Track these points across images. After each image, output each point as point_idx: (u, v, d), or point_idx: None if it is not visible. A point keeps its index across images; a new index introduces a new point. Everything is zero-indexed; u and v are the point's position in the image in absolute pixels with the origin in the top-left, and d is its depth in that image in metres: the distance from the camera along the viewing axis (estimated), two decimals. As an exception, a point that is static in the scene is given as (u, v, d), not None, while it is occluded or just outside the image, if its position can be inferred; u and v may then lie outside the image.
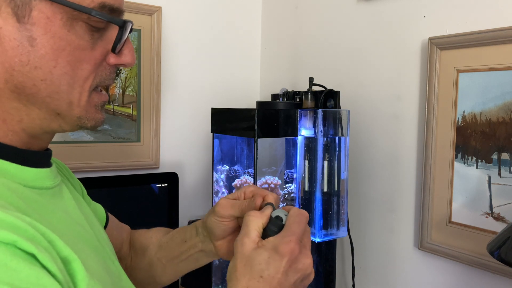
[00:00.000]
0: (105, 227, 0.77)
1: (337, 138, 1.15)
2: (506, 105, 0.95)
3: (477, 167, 1.00)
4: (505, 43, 0.94)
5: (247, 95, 1.65)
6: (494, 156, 0.97)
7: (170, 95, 1.49)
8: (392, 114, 1.20)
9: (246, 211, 0.62)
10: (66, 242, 0.45)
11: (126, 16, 0.54)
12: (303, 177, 1.14)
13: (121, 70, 1.36)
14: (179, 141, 1.51)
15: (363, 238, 1.28)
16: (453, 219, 1.05)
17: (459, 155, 1.04)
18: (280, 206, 0.65)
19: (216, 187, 1.27)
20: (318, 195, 1.11)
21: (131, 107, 1.40)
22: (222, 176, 1.27)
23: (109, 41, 0.52)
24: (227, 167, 1.27)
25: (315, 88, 1.21)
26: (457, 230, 1.05)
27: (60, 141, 1.29)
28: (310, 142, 1.13)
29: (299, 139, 1.15)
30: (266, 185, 1.16)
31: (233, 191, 1.22)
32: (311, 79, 1.21)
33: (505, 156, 0.95)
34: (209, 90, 1.57)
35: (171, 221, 1.35)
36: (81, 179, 0.78)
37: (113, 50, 0.53)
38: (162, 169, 1.47)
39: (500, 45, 0.95)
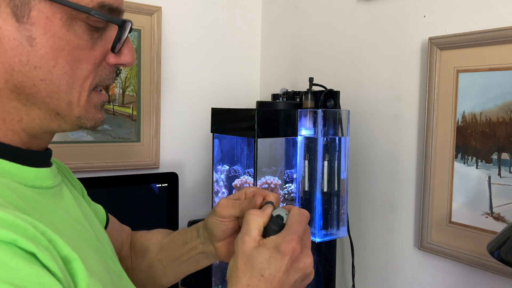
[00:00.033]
0: (105, 228, 0.77)
1: (337, 138, 1.15)
2: (506, 105, 0.95)
3: (477, 167, 1.00)
4: (505, 43, 0.94)
5: (247, 95, 1.65)
6: (494, 156, 0.97)
7: (170, 95, 1.49)
8: (392, 114, 1.20)
9: (247, 210, 0.62)
10: (66, 241, 0.45)
11: (126, 16, 0.54)
12: (303, 177, 1.14)
13: (121, 70, 1.36)
14: (179, 141, 1.51)
15: (363, 238, 1.28)
16: (453, 219, 1.05)
17: (459, 155, 1.04)
18: (280, 205, 0.65)
19: (216, 187, 1.27)
20: (318, 195, 1.11)
21: (131, 107, 1.40)
22: (222, 176, 1.27)
23: (109, 40, 0.52)
24: (227, 167, 1.27)
25: (315, 88, 1.21)
26: (457, 230, 1.05)
27: (60, 141, 1.29)
28: (310, 142, 1.13)
29: (299, 139, 1.15)
30: (266, 185, 1.16)
31: (233, 191, 1.22)
32: (311, 79, 1.21)
33: (505, 156, 0.95)
34: (209, 90, 1.57)
35: (171, 221, 1.35)
36: (81, 179, 0.78)
37: (113, 49, 0.53)
38: (162, 169, 1.47)
39: (500, 45, 0.95)
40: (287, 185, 1.20)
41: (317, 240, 1.12)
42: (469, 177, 1.02)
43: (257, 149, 1.09)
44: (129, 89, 1.39)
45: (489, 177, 0.98)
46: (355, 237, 1.27)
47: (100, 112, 0.55)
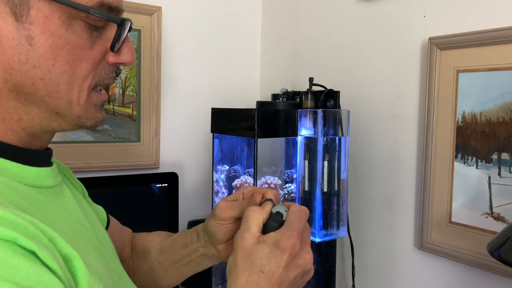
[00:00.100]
0: (106, 229, 0.77)
1: (337, 138, 1.15)
2: (506, 105, 0.95)
3: (477, 167, 1.00)
4: (505, 43, 0.94)
5: (247, 95, 1.65)
6: (494, 156, 0.97)
7: (170, 95, 1.49)
8: (392, 114, 1.20)
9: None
10: (67, 240, 0.45)
11: (126, 16, 0.53)
12: (303, 177, 1.14)
13: (121, 70, 1.36)
14: (179, 141, 1.51)
15: (363, 238, 1.28)
16: (453, 219, 1.05)
17: (459, 155, 1.04)
18: (280, 203, 0.65)
19: (216, 187, 1.27)
20: (318, 195, 1.11)
21: (131, 107, 1.40)
22: (222, 176, 1.27)
23: (108, 40, 0.52)
24: (227, 167, 1.27)
25: (315, 88, 1.21)
26: (457, 230, 1.05)
27: (60, 141, 1.29)
28: (310, 142, 1.13)
29: (299, 139, 1.14)
30: (266, 185, 1.16)
31: (233, 191, 1.22)
32: (311, 79, 1.21)
33: (505, 156, 0.95)
34: (209, 90, 1.57)
35: (171, 221, 1.35)
36: (81, 179, 0.78)
37: (112, 48, 0.52)
38: (162, 169, 1.47)
39: (500, 45, 0.95)
40: (287, 185, 1.20)
41: (317, 240, 1.12)
42: (469, 177, 1.02)
43: (257, 149, 1.09)
44: (129, 89, 1.39)
45: (489, 177, 0.98)
46: (355, 237, 1.27)
47: (100, 111, 0.55)
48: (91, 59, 0.51)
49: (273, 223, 0.59)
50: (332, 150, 1.14)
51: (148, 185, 1.32)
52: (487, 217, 0.99)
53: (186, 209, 1.50)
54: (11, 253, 0.38)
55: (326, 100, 1.18)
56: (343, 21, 1.34)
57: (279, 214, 0.60)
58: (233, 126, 1.18)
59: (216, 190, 1.27)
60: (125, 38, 0.54)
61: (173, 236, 0.80)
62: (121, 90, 1.37)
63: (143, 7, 1.38)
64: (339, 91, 1.19)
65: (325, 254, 1.19)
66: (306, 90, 1.21)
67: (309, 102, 1.19)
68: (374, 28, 1.25)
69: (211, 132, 1.25)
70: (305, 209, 0.61)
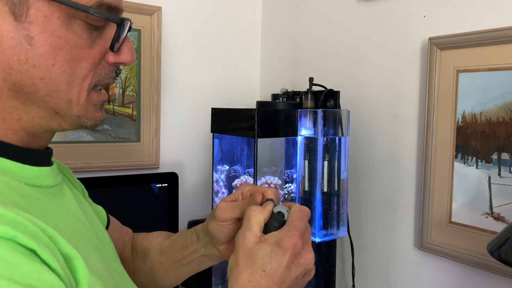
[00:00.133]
0: (106, 229, 0.77)
1: (337, 138, 1.15)
2: (506, 105, 0.95)
3: (477, 167, 1.00)
4: (505, 43, 0.94)
5: (247, 95, 1.65)
6: (494, 156, 0.97)
7: (170, 95, 1.49)
8: (392, 114, 1.20)
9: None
10: (67, 239, 0.45)
11: (126, 16, 0.54)
12: (303, 177, 1.14)
13: (121, 70, 1.36)
14: (179, 141, 1.51)
15: (363, 238, 1.28)
16: (453, 219, 1.05)
17: (459, 155, 1.04)
18: (280, 204, 0.65)
19: (216, 187, 1.27)
20: (318, 195, 1.11)
21: (131, 107, 1.40)
22: (222, 176, 1.27)
23: (108, 39, 0.52)
24: (227, 167, 1.27)
25: (315, 88, 1.21)
26: (457, 230, 1.04)
27: (60, 141, 1.29)
28: (310, 142, 1.13)
29: (299, 139, 1.14)
30: (266, 185, 1.16)
31: (233, 191, 1.22)
32: (311, 79, 1.21)
33: (505, 156, 0.95)
34: (209, 90, 1.57)
35: (171, 221, 1.35)
36: (81, 179, 0.78)
37: (111, 48, 0.52)
38: (162, 169, 1.47)
39: (500, 45, 0.95)
40: (287, 185, 1.20)
41: (317, 240, 1.12)
42: (469, 177, 1.02)
43: (257, 149, 1.09)
44: (129, 89, 1.39)
45: (489, 177, 0.98)
46: (355, 237, 1.27)
47: (100, 111, 0.55)
48: (91, 58, 0.51)
49: (274, 222, 0.59)
50: (332, 150, 1.14)
51: (148, 185, 1.32)
52: (487, 217, 0.99)
53: (186, 209, 1.50)
54: (11, 251, 0.38)
55: (326, 100, 1.18)
56: (343, 21, 1.34)
57: (280, 214, 0.60)
58: (233, 126, 1.18)
59: (216, 190, 1.27)
60: (124, 37, 0.54)
61: (173, 237, 0.80)
62: (121, 90, 1.38)
63: (143, 7, 1.38)
64: (339, 91, 1.19)
65: (325, 254, 1.19)
66: (306, 90, 1.21)
67: (309, 102, 1.19)
68: (374, 28, 1.25)
69: (211, 132, 1.25)
70: (306, 209, 0.61)
